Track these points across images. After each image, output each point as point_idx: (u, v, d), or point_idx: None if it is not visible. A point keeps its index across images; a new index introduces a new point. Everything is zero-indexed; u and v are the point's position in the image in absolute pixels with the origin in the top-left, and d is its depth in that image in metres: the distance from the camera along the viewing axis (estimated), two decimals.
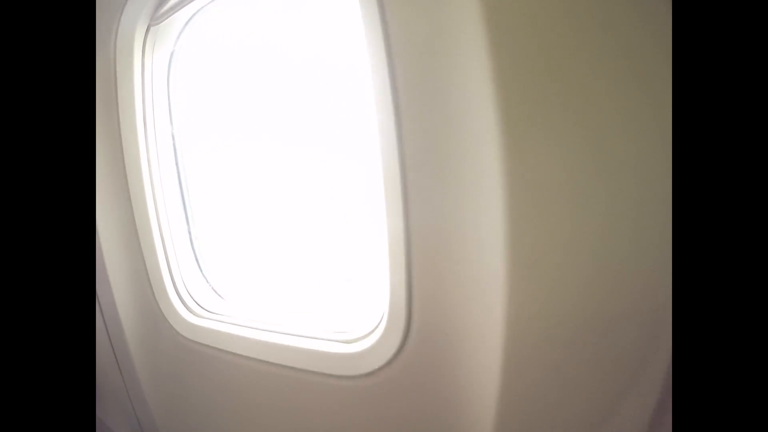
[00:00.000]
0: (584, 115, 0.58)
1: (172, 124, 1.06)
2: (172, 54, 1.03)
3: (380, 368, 0.70)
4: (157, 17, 0.96)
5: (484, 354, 0.62)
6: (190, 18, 1.00)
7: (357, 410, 0.76)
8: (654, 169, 0.63)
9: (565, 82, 0.57)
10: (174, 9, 0.94)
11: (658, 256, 0.64)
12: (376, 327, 0.72)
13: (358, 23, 0.67)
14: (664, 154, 0.60)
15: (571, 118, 0.58)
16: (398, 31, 0.61)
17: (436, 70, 0.60)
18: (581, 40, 0.55)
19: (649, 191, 0.64)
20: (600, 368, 0.66)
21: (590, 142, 0.59)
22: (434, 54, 0.59)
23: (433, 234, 0.64)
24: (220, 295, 1.06)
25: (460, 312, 0.64)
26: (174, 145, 1.06)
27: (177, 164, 1.07)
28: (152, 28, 0.97)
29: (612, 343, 0.66)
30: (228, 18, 1.03)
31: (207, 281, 1.07)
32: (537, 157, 0.57)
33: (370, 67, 0.66)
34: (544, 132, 0.57)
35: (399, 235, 0.65)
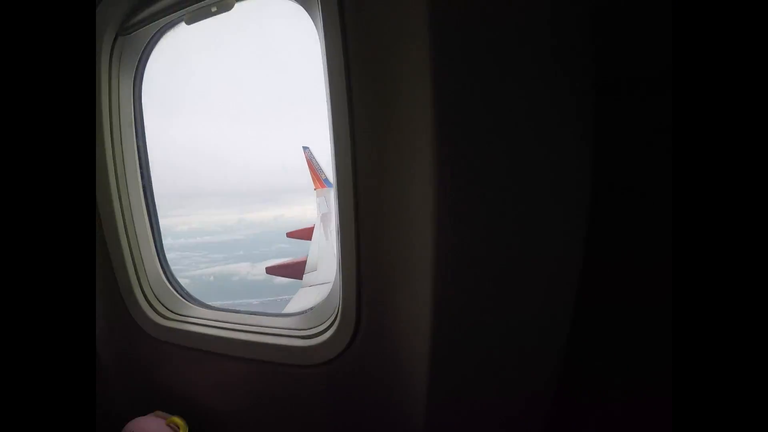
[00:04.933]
0: (508, 122, 0.65)
1: (138, 135, 1.02)
2: (139, 63, 0.99)
3: (333, 359, 0.82)
4: (126, 27, 0.91)
5: (419, 345, 0.72)
6: (160, 30, 0.96)
7: (314, 395, 0.88)
8: (571, 173, 0.71)
9: (494, 91, 0.63)
10: (144, 21, 0.91)
11: (569, 258, 0.75)
12: (331, 325, 0.84)
13: (319, 32, 0.70)
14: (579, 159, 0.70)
15: (497, 123, 0.65)
16: (356, 43, 0.65)
17: (386, 78, 0.64)
18: (510, 56, 0.63)
19: (565, 194, 0.72)
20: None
21: (511, 147, 0.66)
22: (385, 64, 0.64)
23: (379, 244, 0.72)
24: (186, 299, 1.11)
25: (398, 311, 0.74)
26: (140, 155, 1.03)
27: (143, 175, 1.05)
28: (120, 38, 0.93)
29: (528, 339, 0.76)
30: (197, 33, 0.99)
31: (174, 287, 1.10)
32: (465, 167, 0.64)
33: (327, 75, 0.69)
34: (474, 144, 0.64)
35: (351, 245, 0.74)
